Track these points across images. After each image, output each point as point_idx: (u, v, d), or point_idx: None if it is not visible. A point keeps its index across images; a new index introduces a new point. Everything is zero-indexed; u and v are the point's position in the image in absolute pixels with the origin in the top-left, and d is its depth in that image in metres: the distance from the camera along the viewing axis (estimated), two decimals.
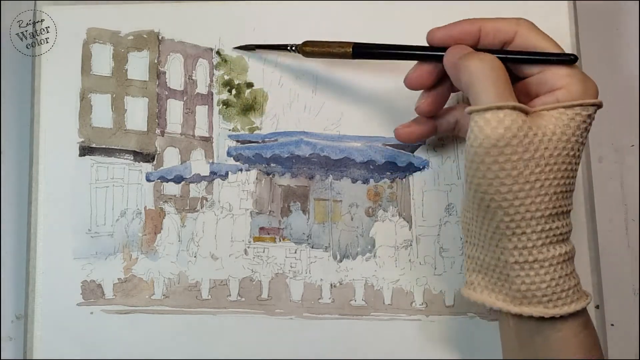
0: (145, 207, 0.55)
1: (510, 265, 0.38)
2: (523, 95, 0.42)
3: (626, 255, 0.57)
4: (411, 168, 0.53)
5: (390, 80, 0.54)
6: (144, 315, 0.53)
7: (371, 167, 0.53)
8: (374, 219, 0.53)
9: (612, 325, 0.54)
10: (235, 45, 0.55)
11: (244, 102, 0.55)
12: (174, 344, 0.53)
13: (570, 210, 0.40)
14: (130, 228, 0.54)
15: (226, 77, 0.55)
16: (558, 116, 0.38)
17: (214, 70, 0.56)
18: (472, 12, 0.54)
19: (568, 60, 0.39)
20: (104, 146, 0.55)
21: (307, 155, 0.54)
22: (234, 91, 0.55)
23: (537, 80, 0.41)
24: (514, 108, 0.36)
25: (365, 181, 0.54)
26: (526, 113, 0.37)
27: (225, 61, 0.55)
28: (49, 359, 0.53)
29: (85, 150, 0.55)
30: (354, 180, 0.54)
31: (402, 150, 0.53)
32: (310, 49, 0.47)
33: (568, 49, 0.52)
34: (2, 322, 0.57)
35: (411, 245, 0.53)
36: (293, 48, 0.49)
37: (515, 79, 0.42)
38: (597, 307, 0.50)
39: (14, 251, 0.58)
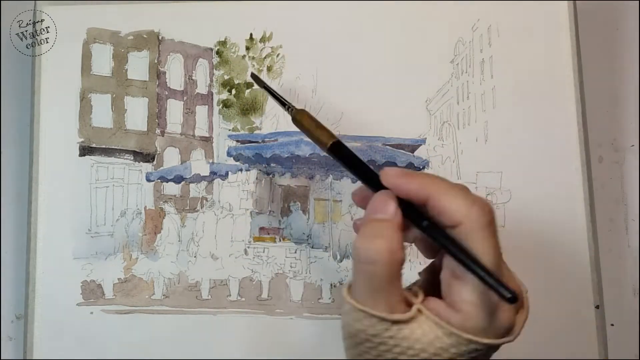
0: (145, 207, 0.55)
1: None
2: (429, 273, 0.36)
3: (626, 255, 0.57)
4: (411, 168, 0.53)
5: (390, 80, 0.54)
6: (144, 315, 0.53)
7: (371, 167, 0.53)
8: None
9: (612, 325, 0.54)
10: (251, 72, 0.54)
11: (244, 102, 0.55)
12: (174, 344, 0.53)
13: None
14: (130, 228, 0.54)
15: (226, 77, 0.55)
16: (440, 335, 0.30)
17: (214, 70, 0.56)
18: (472, 12, 0.54)
19: (507, 298, 0.28)
20: (104, 146, 0.55)
21: (307, 155, 0.54)
22: (234, 91, 0.55)
23: (447, 282, 0.32)
24: (374, 316, 0.30)
25: None
26: (397, 321, 0.30)
27: (226, 61, 0.55)
28: (49, 359, 0.53)
29: (85, 150, 0.55)
30: (354, 180, 0.54)
31: (402, 150, 0.53)
32: (302, 119, 0.42)
33: (568, 49, 0.52)
34: (2, 322, 0.57)
35: (411, 245, 0.53)
36: (290, 109, 0.45)
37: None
38: (597, 307, 0.50)
39: (14, 251, 0.58)
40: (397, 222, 0.32)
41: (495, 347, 0.31)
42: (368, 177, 0.36)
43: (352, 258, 0.32)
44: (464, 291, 0.30)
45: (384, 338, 0.30)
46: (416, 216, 0.32)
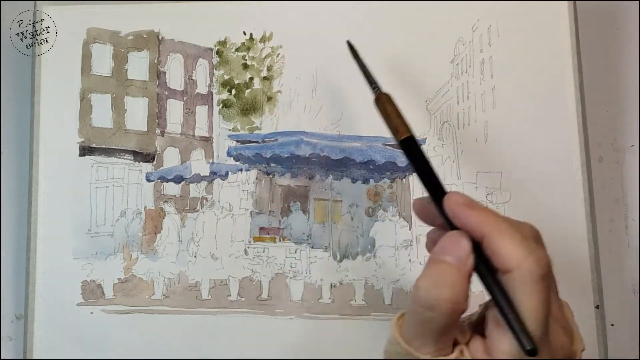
0: (145, 207, 0.55)
1: None
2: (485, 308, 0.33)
3: (626, 255, 0.57)
4: (411, 168, 0.53)
5: (390, 80, 0.54)
6: (144, 315, 0.53)
7: (371, 167, 0.53)
8: (374, 219, 0.53)
9: (612, 325, 0.54)
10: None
11: (244, 102, 0.55)
12: (174, 344, 0.53)
13: None
14: (130, 228, 0.54)
15: (226, 77, 0.55)
16: None
17: (214, 70, 0.56)
18: (472, 12, 0.54)
19: (526, 350, 0.27)
20: (104, 146, 0.55)
21: (307, 155, 0.54)
22: (234, 91, 0.55)
23: (490, 314, 0.31)
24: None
25: (365, 181, 0.54)
26: None
27: (226, 61, 0.55)
28: (49, 359, 0.53)
29: (85, 150, 0.55)
30: (354, 180, 0.54)
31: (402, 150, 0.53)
32: (382, 104, 0.41)
33: (568, 49, 0.52)
34: (2, 322, 0.57)
35: (411, 245, 0.53)
36: (375, 88, 0.43)
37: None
38: (597, 307, 0.50)
39: (14, 251, 0.58)
40: (467, 270, 0.29)
41: None
42: (432, 186, 0.34)
43: (412, 295, 0.30)
44: (503, 340, 0.29)
45: None
46: (480, 261, 0.30)
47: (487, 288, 0.29)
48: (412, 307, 0.30)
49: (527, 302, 0.28)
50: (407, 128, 0.38)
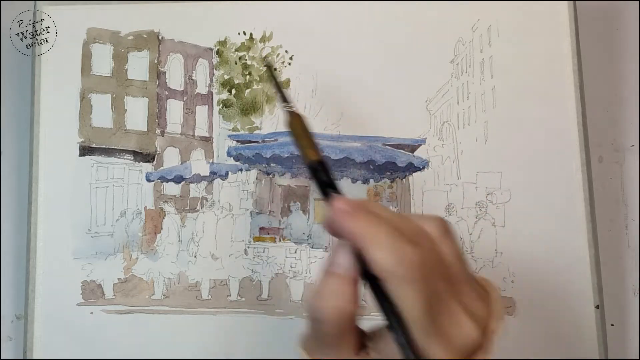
0: (145, 207, 0.54)
1: None
2: None
3: (626, 255, 0.57)
4: (411, 168, 0.53)
5: (390, 80, 0.54)
6: (144, 315, 0.53)
7: (371, 167, 0.53)
8: None
9: (612, 325, 0.54)
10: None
11: (244, 102, 0.55)
12: (174, 344, 0.53)
13: None
14: (130, 228, 0.54)
15: (226, 77, 0.55)
16: None
17: (214, 70, 0.56)
18: (472, 12, 0.54)
19: None
20: (104, 146, 0.55)
21: None
22: (234, 91, 0.55)
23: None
24: None
25: (365, 181, 0.54)
26: None
27: (226, 61, 0.55)
28: (49, 359, 0.53)
29: (85, 150, 0.55)
30: (354, 180, 0.54)
31: (402, 150, 0.53)
32: (293, 125, 0.39)
33: (568, 49, 0.53)
34: (2, 322, 0.57)
35: None
36: (287, 108, 0.41)
37: None
38: (597, 307, 0.50)
39: (14, 251, 0.58)
40: (351, 277, 0.30)
41: None
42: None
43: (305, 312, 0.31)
44: (384, 340, 0.30)
45: None
46: (363, 267, 0.30)
47: (373, 295, 0.30)
48: (307, 322, 0.31)
49: (404, 305, 0.28)
50: (316, 152, 0.37)
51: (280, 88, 0.43)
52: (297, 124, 0.39)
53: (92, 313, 0.54)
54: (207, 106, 0.56)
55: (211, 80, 0.56)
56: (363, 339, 0.32)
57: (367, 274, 0.30)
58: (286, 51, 0.55)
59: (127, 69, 0.56)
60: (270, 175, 0.54)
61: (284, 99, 0.42)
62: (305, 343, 0.32)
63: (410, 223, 0.31)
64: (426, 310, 0.28)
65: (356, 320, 0.31)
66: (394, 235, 0.29)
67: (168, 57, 0.56)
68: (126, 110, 0.56)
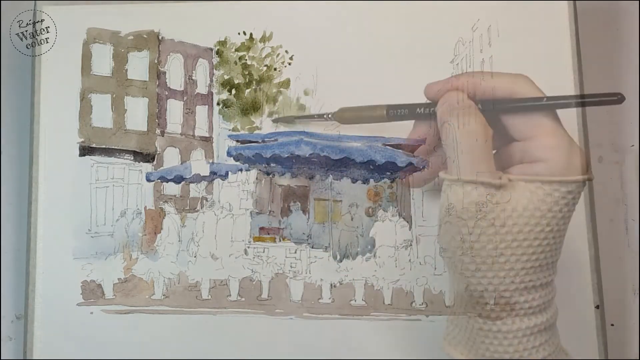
0: (145, 207, 0.55)
1: (476, 330, 0.37)
2: (507, 158, 0.40)
3: (626, 255, 0.57)
4: (411, 168, 0.53)
5: (390, 80, 0.54)
6: (144, 315, 0.53)
7: (371, 167, 0.53)
8: (374, 219, 0.53)
9: (612, 325, 0.54)
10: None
11: (244, 102, 0.55)
12: (174, 344, 0.53)
13: (549, 282, 0.38)
14: (130, 228, 0.54)
15: (226, 77, 0.55)
16: (534, 190, 0.36)
17: (214, 70, 0.56)
18: (472, 12, 0.54)
19: (615, 100, 0.37)
20: (104, 146, 0.55)
21: (307, 155, 0.53)
22: (234, 91, 0.55)
23: (523, 147, 0.39)
24: (482, 184, 0.35)
25: (365, 181, 0.54)
26: (499, 186, 0.35)
27: (226, 61, 0.55)
28: (49, 359, 0.53)
29: (85, 150, 0.55)
30: (354, 180, 0.54)
31: (402, 150, 0.53)
32: (347, 114, 0.48)
33: (568, 49, 0.52)
34: (2, 322, 0.57)
35: (411, 245, 0.53)
36: (329, 116, 0.50)
37: (510, 139, 0.41)
38: (597, 307, 0.50)
39: (14, 251, 0.58)
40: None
41: (579, 191, 0.36)
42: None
43: (449, 140, 0.37)
44: (541, 143, 0.36)
45: (492, 205, 0.35)
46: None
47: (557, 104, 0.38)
48: (453, 147, 0.38)
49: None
50: (379, 106, 0.44)
51: (310, 116, 0.52)
52: (346, 112, 0.48)
53: (92, 313, 0.54)
54: (207, 106, 0.56)
55: (211, 80, 0.56)
56: None
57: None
58: (286, 51, 0.55)
59: (127, 69, 0.56)
60: (270, 175, 0.54)
61: (319, 117, 0.51)
62: (456, 171, 0.38)
63: None
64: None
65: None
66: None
67: (168, 57, 0.56)
68: (126, 110, 0.56)
